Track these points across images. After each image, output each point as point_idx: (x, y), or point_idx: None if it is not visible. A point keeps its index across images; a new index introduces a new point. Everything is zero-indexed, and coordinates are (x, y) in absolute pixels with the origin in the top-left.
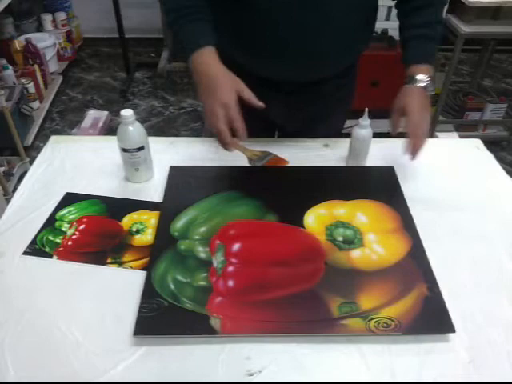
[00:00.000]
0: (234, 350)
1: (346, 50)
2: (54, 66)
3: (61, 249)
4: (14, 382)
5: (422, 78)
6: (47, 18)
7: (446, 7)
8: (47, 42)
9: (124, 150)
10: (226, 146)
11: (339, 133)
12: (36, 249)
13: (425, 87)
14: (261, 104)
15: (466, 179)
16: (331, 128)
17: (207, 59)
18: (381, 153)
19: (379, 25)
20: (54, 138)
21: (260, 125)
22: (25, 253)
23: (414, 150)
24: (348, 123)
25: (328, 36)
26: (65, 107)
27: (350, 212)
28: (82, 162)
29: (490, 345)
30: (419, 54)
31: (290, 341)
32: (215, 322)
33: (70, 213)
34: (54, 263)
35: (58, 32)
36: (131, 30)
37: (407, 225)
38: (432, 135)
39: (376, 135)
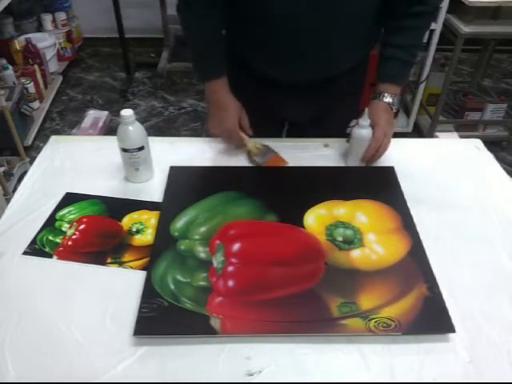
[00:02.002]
0: (233, 349)
1: (356, 49)
2: (54, 66)
3: (61, 249)
4: (14, 382)
5: (390, 96)
6: (47, 18)
7: (447, 8)
8: (47, 41)
9: (124, 150)
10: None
11: (345, 129)
12: (36, 249)
13: (391, 104)
14: (250, 133)
15: (466, 179)
16: (340, 123)
17: (219, 90)
18: None
19: None
20: (53, 138)
21: (270, 119)
22: (25, 253)
23: (370, 161)
24: None
25: (338, 38)
26: (65, 107)
27: (350, 212)
28: (82, 162)
29: (489, 345)
30: (393, 75)
31: (290, 341)
32: (215, 322)
33: (70, 213)
34: (54, 263)
35: (58, 32)
36: (131, 30)
37: (407, 225)
38: (432, 135)
39: None
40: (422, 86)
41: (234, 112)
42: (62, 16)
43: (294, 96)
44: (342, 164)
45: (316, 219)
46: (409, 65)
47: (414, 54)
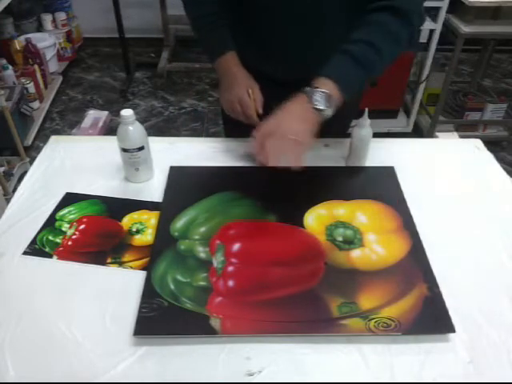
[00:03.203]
0: (233, 349)
1: None
2: (54, 66)
3: (61, 249)
4: (14, 382)
5: (316, 89)
6: (47, 18)
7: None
8: (47, 41)
9: (124, 150)
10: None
11: (345, 129)
12: (36, 249)
13: (312, 99)
14: (260, 111)
15: (466, 179)
16: (340, 123)
17: (229, 64)
18: (381, 153)
19: None
20: (53, 138)
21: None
22: (25, 253)
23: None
24: None
25: (329, 38)
26: (65, 107)
27: (349, 212)
28: (81, 162)
29: (489, 345)
30: (332, 69)
31: (289, 341)
32: (215, 322)
33: (70, 213)
34: (54, 263)
35: (58, 32)
36: (131, 30)
37: (407, 225)
38: (432, 135)
39: (376, 135)
40: (422, 86)
41: (242, 80)
42: (61, 16)
43: (294, 96)
44: (342, 164)
45: (316, 219)
46: (356, 61)
47: (367, 52)
